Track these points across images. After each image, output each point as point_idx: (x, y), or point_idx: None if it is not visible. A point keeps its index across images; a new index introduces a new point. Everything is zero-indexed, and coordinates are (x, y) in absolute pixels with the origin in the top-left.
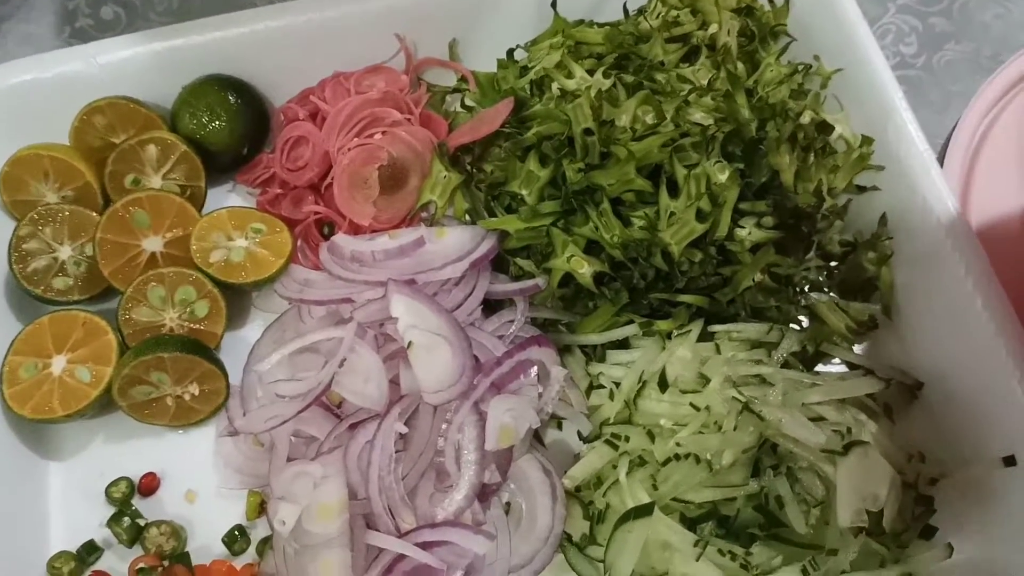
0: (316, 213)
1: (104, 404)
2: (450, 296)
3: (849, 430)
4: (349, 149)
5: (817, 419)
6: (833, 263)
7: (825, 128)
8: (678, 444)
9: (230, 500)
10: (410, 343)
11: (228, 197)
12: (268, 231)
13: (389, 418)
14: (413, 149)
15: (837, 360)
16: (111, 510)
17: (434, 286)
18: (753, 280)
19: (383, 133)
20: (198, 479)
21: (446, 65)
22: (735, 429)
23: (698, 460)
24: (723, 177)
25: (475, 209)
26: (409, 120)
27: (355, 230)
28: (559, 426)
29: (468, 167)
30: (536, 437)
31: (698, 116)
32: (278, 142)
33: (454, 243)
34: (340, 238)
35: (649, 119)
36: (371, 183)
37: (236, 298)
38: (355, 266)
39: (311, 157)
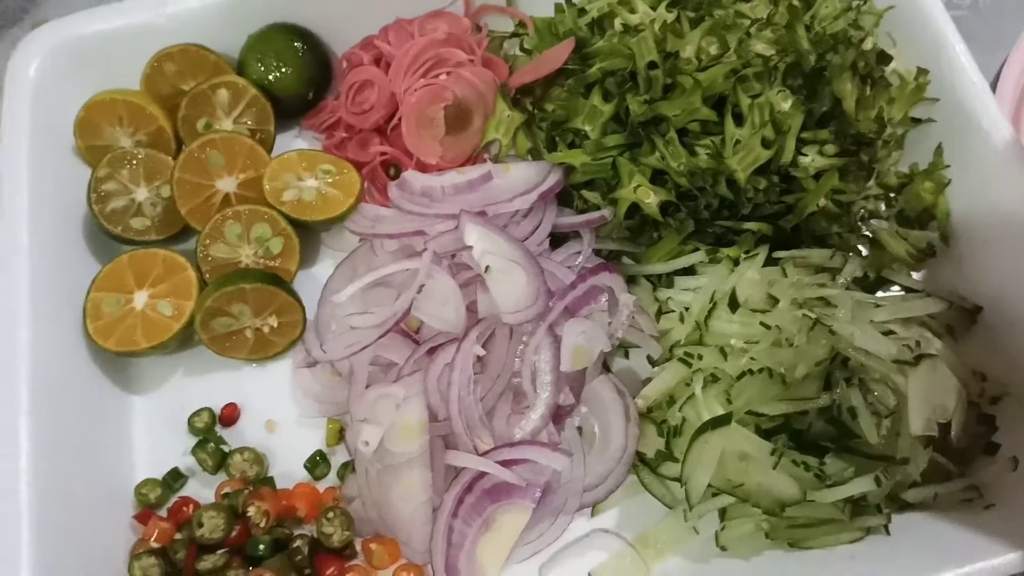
0: (383, 154)
1: (185, 339)
2: (519, 228)
3: (918, 343)
4: (416, 90)
5: (886, 333)
6: (891, 194)
7: (884, 58)
8: (752, 359)
9: (309, 429)
10: (487, 267)
11: (294, 142)
12: (337, 172)
13: (467, 341)
14: (477, 89)
15: (896, 288)
16: (194, 440)
17: (503, 218)
18: (817, 206)
19: (448, 74)
20: (277, 410)
21: (504, 11)
22: (807, 343)
23: (771, 374)
24: (786, 106)
25: (537, 148)
26: (472, 61)
27: (423, 169)
28: (626, 355)
29: (530, 107)
30: (604, 366)
31: (760, 47)
32: (343, 87)
33: (521, 177)
34: (410, 174)
35: (713, 50)
36: (437, 122)
37: (307, 237)
38: (425, 201)
39: (377, 100)
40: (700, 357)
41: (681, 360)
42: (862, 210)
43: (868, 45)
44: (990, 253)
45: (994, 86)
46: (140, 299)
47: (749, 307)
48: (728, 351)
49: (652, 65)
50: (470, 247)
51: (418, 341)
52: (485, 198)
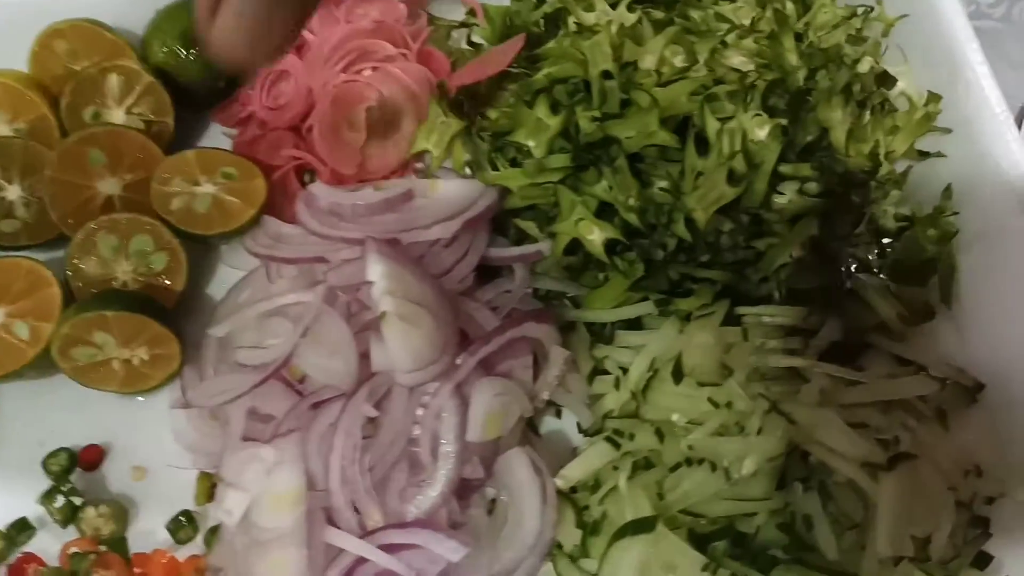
0: (296, 158)
1: (46, 365)
2: (439, 259)
3: (896, 440)
4: (333, 86)
5: (858, 425)
6: (886, 240)
7: (886, 80)
8: (690, 447)
9: (182, 480)
10: (384, 313)
11: (203, 138)
12: (241, 177)
13: (356, 399)
14: (408, 89)
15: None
16: (49, 484)
17: (421, 247)
18: (791, 256)
19: (373, 69)
20: (148, 454)
21: None
22: (759, 432)
23: (714, 467)
24: (762, 133)
25: (477, 161)
26: (405, 56)
27: (338, 180)
28: (558, 414)
29: (471, 113)
30: (530, 426)
31: (736, 61)
32: (258, 77)
33: (448, 199)
34: (317, 187)
35: (678, 61)
36: (357, 126)
37: (201, 251)
38: (332, 220)
39: (293, 94)
40: (632, 436)
41: (609, 439)
42: (850, 258)
43: (864, 66)
44: (999, 319)
45: (1020, 116)
46: None
47: (697, 378)
48: (667, 431)
49: (607, 75)
50: (370, 283)
51: (302, 393)
52: (402, 221)
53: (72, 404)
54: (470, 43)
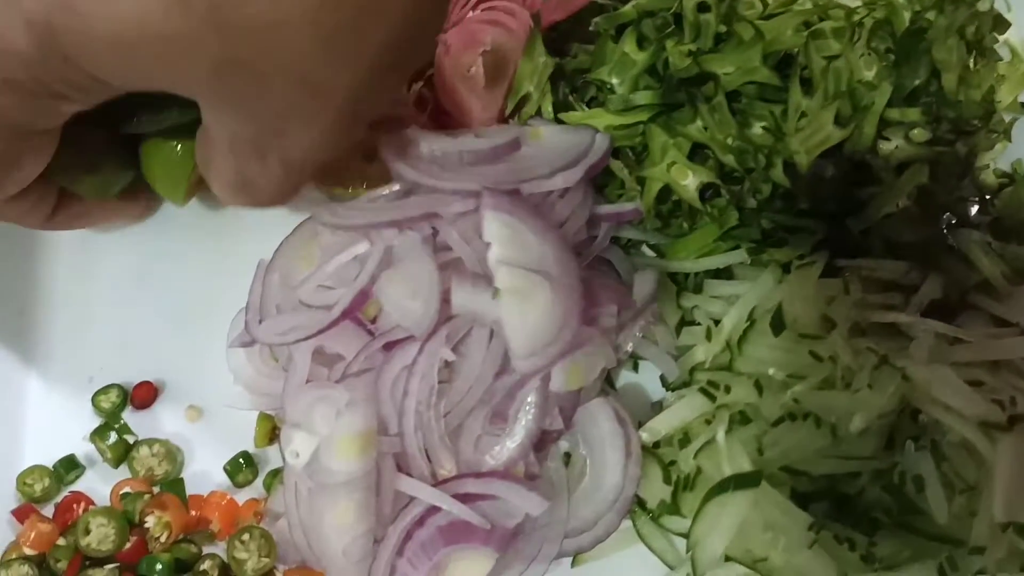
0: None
1: None
2: (555, 212)
3: (1013, 400)
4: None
5: (972, 383)
6: (987, 196)
7: (1000, 24)
8: (796, 400)
9: (239, 422)
10: (496, 291)
11: None
12: None
13: (434, 341)
14: (516, 30)
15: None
16: (98, 422)
17: (538, 199)
18: (896, 206)
19: (490, 8)
20: (204, 393)
21: None
22: (869, 388)
23: (819, 423)
24: (870, 74)
25: (561, 104)
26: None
27: (441, 125)
28: (635, 367)
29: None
30: (607, 380)
31: None
32: None
33: (556, 145)
34: (415, 133)
35: None
36: (476, 72)
37: None
38: (435, 169)
39: None
40: (728, 389)
41: (703, 391)
42: (950, 214)
43: (985, 5)
44: None
45: None
46: None
47: (797, 331)
48: (765, 385)
49: (703, 7)
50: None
51: (373, 332)
52: (517, 171)
53: (123, 339)
54: None
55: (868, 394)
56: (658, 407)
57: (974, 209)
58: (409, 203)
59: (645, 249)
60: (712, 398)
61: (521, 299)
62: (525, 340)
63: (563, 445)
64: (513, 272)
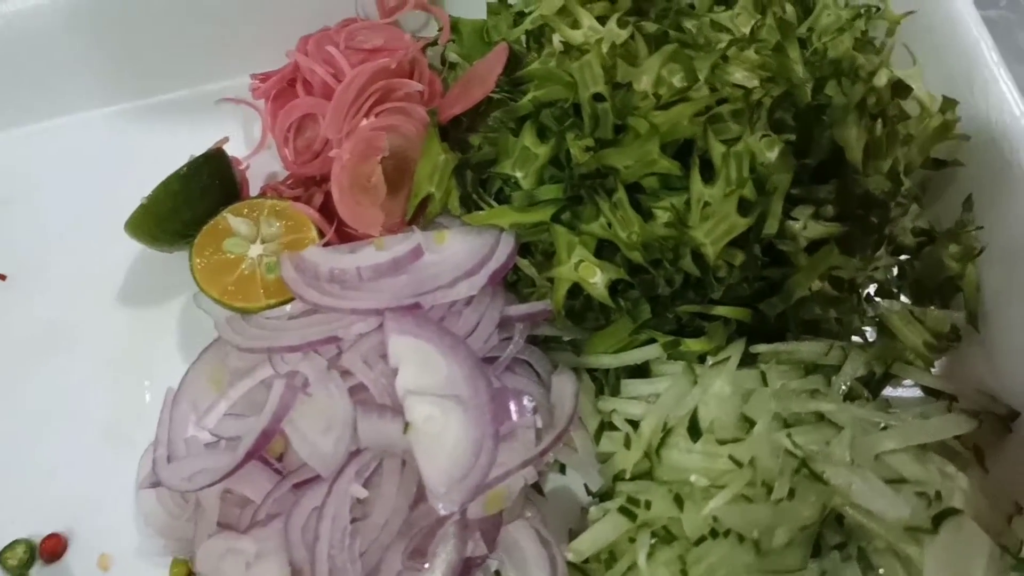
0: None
1: None
2: (460, 321)
3: (938, 495)
4: (346, 137)
5: (896, 480)
6: (905, 256)
7: (901, 90)
8: (714, 519)
9: (154, 568)
10: (407, 425)
11: None
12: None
13: (343, 479)
14: (417, 130)
15: (908, 382)
16: None
17: (441, 310)
18: (810, 289)
19: (384, 112)
20: (115, 540)
21: (427, 9)
22: (790, 497)
23: (741, 538)
24: (772, 155)
25: (468, 199)
26: (422, 94)
27: (342, 239)
28: (562, 469)
29: (458, 142)
30: (534, 486)
31: (739, 76)
32: (275, 131)
33: (461, 250)
34: (312, 252)
35: (677, 81)
36: (376, 181)
37: None
38: (335, 288)
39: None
40: (648, 505)
41: (623, 509)
42: (869, 282)
43: (881, 80)
44: None
45: None
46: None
47: (715, 434)
48: (686, 495)
49: (599, 98)
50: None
51: (281, 472)
52: (417, 283)
53: (30, 489)
54: (443, 63)
55: (789, 505)
56: (587, 513)
57: (893, 271)
58: (311, 323)
59: (566, 346)
60: (632, 516)
61: (433, 430)
62: (442, 474)
63: (492, 564)
64: (423, 401)
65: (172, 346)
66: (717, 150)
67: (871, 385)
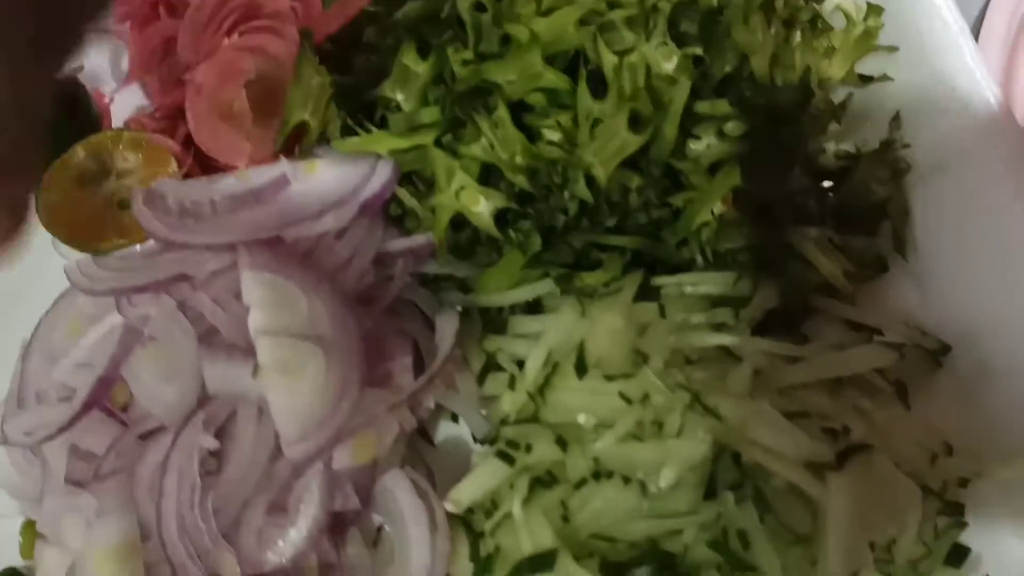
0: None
1: None
2: (331, 255)
3: (846, 429)
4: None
5: (798, 414)
6: (826, 183)
7: None
8: (596, 459)
9: (7, 531)
10: (256, 367)
11: None
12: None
13: (190, 430)
14: (288, 52)
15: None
16: None
17: (307, 243)
18: (713, 212)
19: (250, 31)
20: None
21: None
22: (679, 434)
23: (627, 480)
24: (669, 66)
25: (350, 126)
26: (295, 8)
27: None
28: (454, 417)
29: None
30: (422, 435)
31: None
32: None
33: (332, 180)
34: (164, 184)
35: None
36: (240, 108)
37: None
38: (188, 223)
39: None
40: (528, 448)
41: (501, 454)
42: (785, 208)
43: None
44: (965, 269)
45: (977, 27)
46: None
47: (603, 371)
48: (573, 438)
49: (480, 7)
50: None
51: (125, 423)
52: (280, 215)
53: None
54: None
55: (677, 443)
56: None
57: (812, 200)
58: (159, 263)
59: (452, 284)
60: (511, 461)
61: (288, 374)
62: (294, 422)
63: (376, 520)
64: (278, 343)
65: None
66: (608, 61)
67: (786, 321)
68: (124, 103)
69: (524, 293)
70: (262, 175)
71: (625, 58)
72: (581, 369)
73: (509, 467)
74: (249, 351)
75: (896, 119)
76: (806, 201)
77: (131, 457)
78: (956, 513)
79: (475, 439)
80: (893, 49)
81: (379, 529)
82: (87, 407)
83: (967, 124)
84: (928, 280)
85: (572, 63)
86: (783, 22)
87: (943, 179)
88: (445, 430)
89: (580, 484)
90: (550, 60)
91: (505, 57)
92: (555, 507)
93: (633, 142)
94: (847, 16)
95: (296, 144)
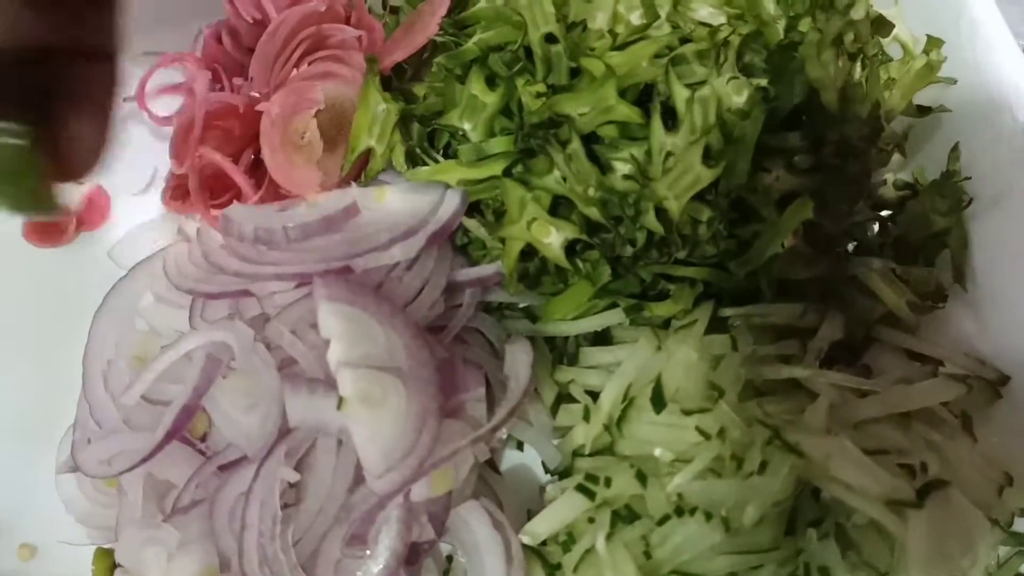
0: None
1: None
2: (402, 287)
3: (923, 466)
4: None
5: (876, 451)
6: (886, 212)
7: (882, 26)
8: (679, 496)
9: (79, 558)
10: (342, 400)
11: None
12: None
13: (272, 461)
14: (355, 81)
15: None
16: None
17: (378, 273)
18: (783, 245)
19: (317, 61)
20: (38, 529)
21: None
22: (761, 470)
23: (709, 516)
24: (741, 100)
25: (415, 154)
26: (360, 39)
27: (272, 198)
28: (519, 445)
29: (398, 92)
30: (489, 464)
31: (704, 12)
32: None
33: (400, 208)
34: (236, 210)
35: (635, 18)
36: (311, 137)
37: None
38: (260, 249)
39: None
40: (608, 482)
41: (581, 487)
42: (849, 239)
43: (859, 12)
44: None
45: None
46: None
47: (681, 404)
48: (650, 470)
49: (551, 38)
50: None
51: (205, 453)
52: (350, 243)
53: None
54: (384, 7)
55: (760, 480)
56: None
57: (874, 227)
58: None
59: (521, 313)
60: (591, 495)
61: (371, 406)
62: (380, 455)
63: (445, 547)
64: (358, 375)
65: None
66: (680, 95)
67: (851, 350)
68: None
69: (593, 323)
70: (333, 202)
71: (697, 91)
72: (659, 402)
73: (589, 501)
74: (330, 383)
75: (955, 151)
76: (867, 231)
77: (211, 488)
78: (1019, 543)
79: (546, 470)
80: (952, 81)
81: (449, 558)
82: (169, 437)
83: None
84: (986, 310)
85: (642, 95)
86: (849, 55)
87: (1001, 210)
88: (510, 458)
89: (663, 520)
90: (622, 93)
91: (577, 89)
92: (637, 542)
93: (707, 176)
94: (904, 48)
95: (362, 170)
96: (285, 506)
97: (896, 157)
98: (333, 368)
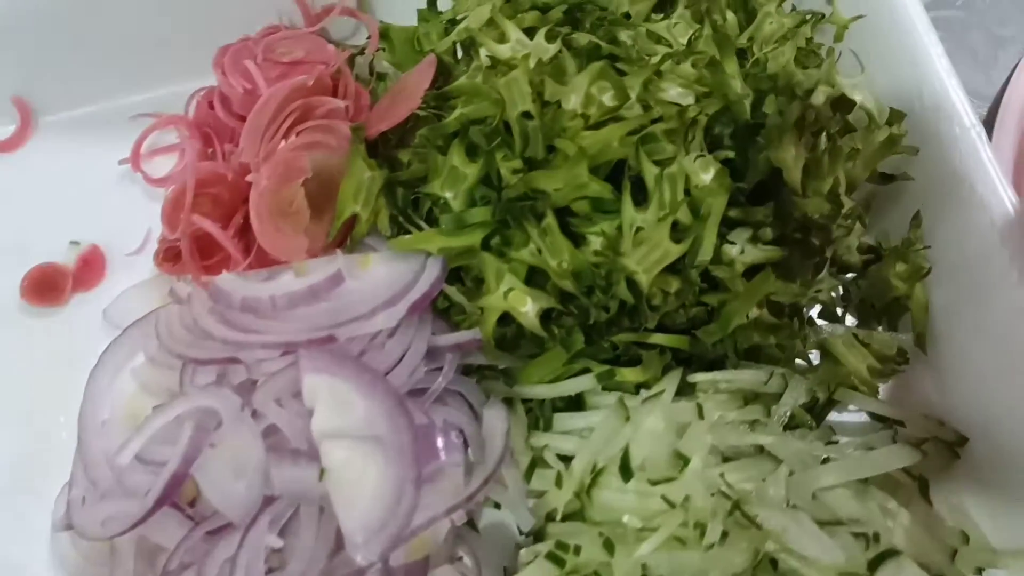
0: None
1: None
2: (383, 354)
3: (876, 536)
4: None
5: (831, 522)
6: (850, 275)
7: (843, 105)
8: (644, 565)
9: None
10: (322, 471)
11: None
12: None
13: (257, 528)
14: (341, 148)
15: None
16: None
17: (360, 341)
18: (747, 316)
19: (305, 131)
20: None
21: (355, 15)
22: (722, 542)
23: None
24: (707, 177)
25: (399, 220)
26: (348, 108)
27: (261, 264)
28: (497, 505)
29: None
30: (468, 522)
31: (674, 92)
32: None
33: (383, 277)
34: (225, 280)
35: (607, 99)
36: (299, 206)
37: None
38: (248, 319)
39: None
40: (577, 551)
41: (551, 555)
42: (812, 303)
43: (819, 98)
44: (981, 363)
45: (991, 122)
46: None
47: (647, 474)
48: (618, 537)
49: (528, 115)
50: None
51: (194, 519)
52: (334, 312)
53: None
54: (371, 72)
55: (721, 551)
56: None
57: (839, 289)
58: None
59: (494, 374)
60: (561, 563)
61: (351, 475)
62: (360, 523)
63: None
64: (340, 445)
65: None
66: (650, 172)
67: (814, 411)
68: None
69: (567, 387)
70: (319, 271)
71: (665, 169)
72: (626, 473)
73: (559, 569)
74: (311, 453)
75: (916, 218)
76: (830, 294)
77: (200, 553)
78: None
79: (520, 533)
80: (914, 151)
81: None
82: (159, 504)
83: (984, 224)
84: (946, 373)
85: (614, 169)
86: (812, 134)
87: (961, 277)
88: (488, 516)
89: None
90: (594, 169)
91: (552, 166)
92: None
93: (675, 251)
94: (869, 116)
95: (347, 234)
96: (269, 571)
97: (860, 228)
98: (316, 438)
